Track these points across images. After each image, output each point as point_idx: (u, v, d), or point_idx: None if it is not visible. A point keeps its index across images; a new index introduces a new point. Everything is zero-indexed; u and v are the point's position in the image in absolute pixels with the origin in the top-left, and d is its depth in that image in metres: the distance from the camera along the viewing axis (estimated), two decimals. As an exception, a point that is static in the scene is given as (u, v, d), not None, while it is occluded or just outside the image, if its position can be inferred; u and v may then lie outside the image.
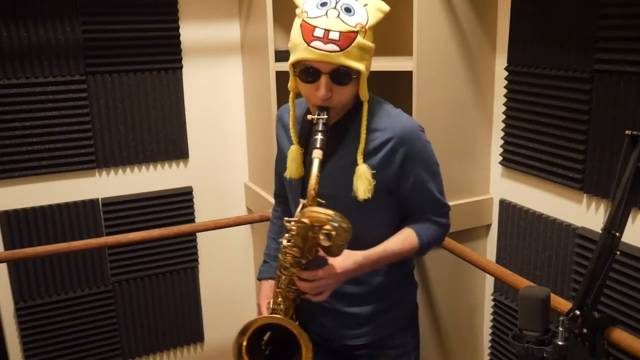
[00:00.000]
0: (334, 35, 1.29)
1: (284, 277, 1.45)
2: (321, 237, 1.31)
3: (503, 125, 2.13)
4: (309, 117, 1.38)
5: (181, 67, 2.46)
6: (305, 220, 1.30)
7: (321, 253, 1.38)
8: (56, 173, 2.34)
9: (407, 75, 2.03)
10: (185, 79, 2.48)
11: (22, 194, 2.31)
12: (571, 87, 1.84)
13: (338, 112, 1.45)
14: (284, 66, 2.16)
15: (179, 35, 2.42)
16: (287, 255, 1.38)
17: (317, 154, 1.32)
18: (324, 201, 1.36)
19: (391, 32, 2.42)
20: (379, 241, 1.51)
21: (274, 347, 1.53)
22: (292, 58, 1.36)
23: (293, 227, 1.33)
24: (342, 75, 1.34)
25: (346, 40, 1.30)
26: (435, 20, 1.99)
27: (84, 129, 2.33)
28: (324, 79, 1.33)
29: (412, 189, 1.49)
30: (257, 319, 1.44)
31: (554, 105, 1.90)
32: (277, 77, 2.18)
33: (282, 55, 2.18)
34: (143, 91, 2.41)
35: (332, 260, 1.38)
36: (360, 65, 1.34)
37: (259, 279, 1.73)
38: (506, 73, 2.09)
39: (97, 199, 2.43)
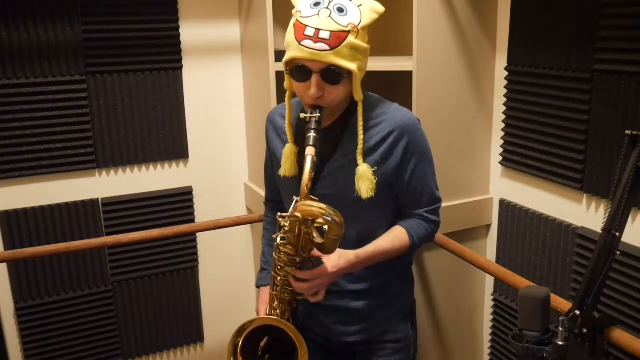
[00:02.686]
0: (324, 35, 1.31)
1: (279, 278, 1.46)
2: (314, 234, 1.32)
3: (503, 125, 2.13)
4: (302, 115, 1.40)
5: (181, 67, 2.46)
6: (298, 214, 1.30)
7: (315, 253, 1.39)
8: (56, 173, 2.34)
9: (407, 75, 2.03)
10: (185, 79, 2.48)
11: (22, 194, 2.31)
12: (571, 87, 1.84)
13: (334, 112, 1.46)
14: (284, 66, 2.16)
15: (179, 35, 2.42)
16: (281, 253, 1.39)
17: (309, 151, 1.34)
18: (317, 199, 1.37)
19: (391, 32, 2.42)
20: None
21: (270, 354, 1.53)
22: (285, 57, 1.38)
23: (286, 224, 1.34)
24: (332, 74, 1.35)
25: (336, 39, 1.31)
26: (435, 20, 1.99)
27: (84, 129, 2.33)
28: (314, 78, 1.35)
29: (410, 180, 1.50)
30: (254, 319, 1.44)
31: (554, 105, 1.90)
32: (277, 77, 2.18)
33: (282, 55, 2.14)
34: (143, 91, 2.41)
35: (326, 260, 1.39)
36: (351, 65, 1.34)
37: (258, 286, 1.74)
38: (506, 73, 2.09)
39: (97, 199, 2.43)
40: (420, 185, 1.52)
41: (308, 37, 1.31)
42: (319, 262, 1.40)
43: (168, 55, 2.42)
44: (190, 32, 2.44)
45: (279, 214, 1.37)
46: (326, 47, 1.31)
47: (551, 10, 1.89)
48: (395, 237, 1.52)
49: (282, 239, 1.38)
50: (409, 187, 1.52)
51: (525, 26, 1.99)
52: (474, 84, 2.14)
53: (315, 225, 1.31)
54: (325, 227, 1.31)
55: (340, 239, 1.35)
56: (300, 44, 1.32)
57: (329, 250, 1.38)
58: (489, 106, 2.21)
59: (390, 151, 1.46)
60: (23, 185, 2.31)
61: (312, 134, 1.35)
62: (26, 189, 2.32)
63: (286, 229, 1.35)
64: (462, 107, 2.14)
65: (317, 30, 1.31)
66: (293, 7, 1.39)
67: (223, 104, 2.58)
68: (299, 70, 1.36)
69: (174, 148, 2.52)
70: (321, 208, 1.29)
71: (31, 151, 2.27)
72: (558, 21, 1.86)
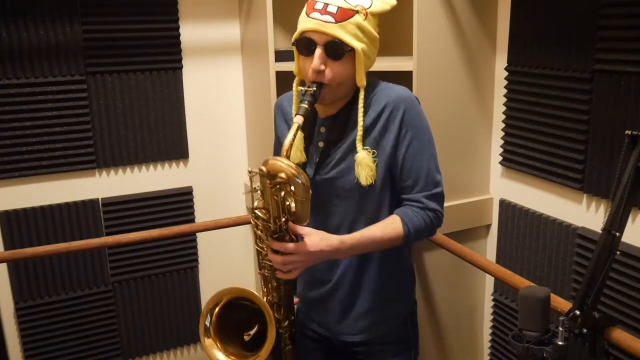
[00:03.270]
0: (331, 9, 1.37)
1: (263, 253, 1.46)
2: (288, 188, 1.31)
3: (503, 125, 2.13)
4: (299, 88, 1.43)
5: (181, 67, 2.46)
6: (263, 168, 1.31)
7: (296, 229, 1.38)
8: (56, 173, 2.34)
9: (407, 75, 2.03)
10: (185, 79, 2.48)
11: (22, 194, 2.31)
12: (571, 87, 1.84)
13: (332, 97, 1.45)
14: (284, 66, 2.16)
15: (179, 35, 2.42)
16: (258, 219, 1.40)
17: (297, 119, 1.36)
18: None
19: (391, 32, 2.42)
20: None
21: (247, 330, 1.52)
22: (295, 33, 1.42)
23: (259, 185, 1.34)
24: (335, 48, 1.38)
25: (343, 14, 1.37)
26: (435, 20, 1.99)
27: (84, 129, 2.33)
28: (318, 50, 1.39)
29: (405, 157, 1.46)
30: (220, 292, 1.48)
31: (554, 105, 1.90)
32: (277, 77, 2.18)
33: (282, 55, 2.18)
34: (143, 91, 2.41)
35: (307, 239, 1.38)
36: (355, 43, 1.38)
37: None
38: (506, 73, 2.09)
39: (97, 199, 2.43)
40: (416, 164, 1.47)
41: (317, 10, 1.37)
42: (299, 240, 1.40)
43: (168, 55, 2.41)
44: (190, 32, 2.44)
45: (248, 169, 1.39)
46: (332, 19, 1.36)
47: (551, 10, 1.89)
48: (387, 225, 1.46)
49: (258, 202, 1.39)
50: (404, 166, 1.47)
51: (525, 26, 1.99)
52: (474, 84, 2.14)
53: (278, 180, 1.30)
54: (291, 187, 1.30)
55: (308, 203, 1.35)
56: (308, 17, 1.38)
57: (300, 217, 1.37)
58: (489, 106, 2.21)
59: (386, 126, 1.46)
60: (23, 185, 2.31)
61: (304, 105, 1.37)
62: (26, 189, 2.32)
63: (259, 187, 1.36)
64: (462, 107, 2.14)
65: (326, 4, 1.37)
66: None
67: (223, 104, 2.58)
68: (305, 42, 1.41)
69: (174, 148, 2.52)
70: (288, 165, 1.30)
71: (31, 151, 2.27)
72: (558, 21, 1.86)
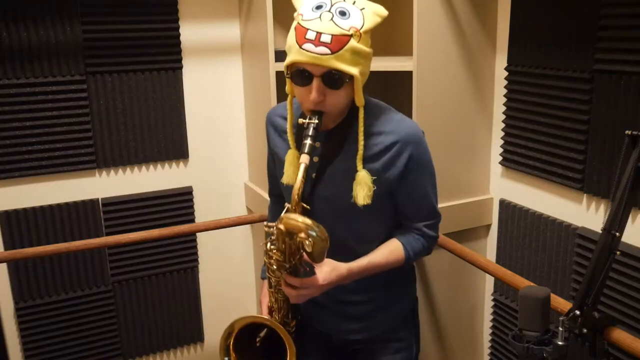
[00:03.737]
0: (325, 38, 1.28)
1: (273, 279, 1.49)
2: (306, 242, 1.31)
3: (503, 125, 2.13)
4: (300, 121, 1.38)
5: (181, 67, 2.46)
6: (281, 227, 1.30)
7: (305, 257, 1.39)
8: (56, 173, 2.34)
9: (407, 75, 2.03)
10: (185, 79, 2.48)
11: (22, 194, 2.31)
12: (571, 87, 1.84)
13: (335, 117, 1.44)
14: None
15: (179, 35, 2.42)
16: (272, 259, 1.41)
17: (303, 159, 1.33)
18: (308, 207, 1.38)
19: (391, 32, 2.42)
20: (381, 239, 1.54)
21: (269, 345, 1.54)
22: (286, 60, 1.36)
23: (274, 235, 1.36)
24: (334, 78, 1.32)
25: (338, 43, 1.29)
26: (435, 20, 1.99)
27: (84, 129, 2.33)
28: (315, 82, 1.33)
29: (411, 192, 1.50)
30: (241, 318, 1.47)
31: (554, 105, 1.90)
32: (277, 77, 2.18)
33: (282, 55, 2.16)
34: (143, 91, 2.41)
35: (318, 271, 1.41)
36: (353, 70, 1.32)
37: (263, 277, 1.74)
38: (506, 73, 2.09)
39: (97, 199, 2.43)
40: (420, 199, 1.52)
41: (309, 41, 1.29)
42: (311, 270, 1.41)
43: (168, 55, 2.41)
44: (190, 32, 2.44)
45: (265, 223, 1.39)
46: (327, 50, 1.28)
47: (551, 10, 1.89)
48: (390, 252, 1.52)
49: (272, 244, 1.40)
50: (409, 200, 1.51)
51: (525, 26, 1.99)
52: (474, 84, 2.14)
53: (298, 239, 1.30)
54: (308, 241, 1.29)
55: (326, 251, 1.35)
56: (301, 48, 1.30)
57: (317, 260, 1.38)
58: (489, 106, 2.21)
59: (392, 162, 1.44)
60: (23, 185, 2.31)
61: (308, 142, 1.34)
62: (26, 189, 2.32)
63: (273, 237, 1.37)
64: (462, 107, 2.14)
65: (319, 33, 1.28)
66: (294, 9, 1.38)
67: (223, 104, 2.58)
68: (300, 74, 1.34)
69: (174, 148, 2.52)
70: (305, 223, 1.27)
71: (31, 151, 2.27)
72: (558, 21, 1.86)
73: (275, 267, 1.43)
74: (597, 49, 1.74)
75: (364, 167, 1.42)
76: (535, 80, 1.96)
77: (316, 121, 1.35)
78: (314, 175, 1.49)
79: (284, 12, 2.20)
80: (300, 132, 1.50)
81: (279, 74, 2.17)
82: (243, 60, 2.55)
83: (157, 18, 2.36)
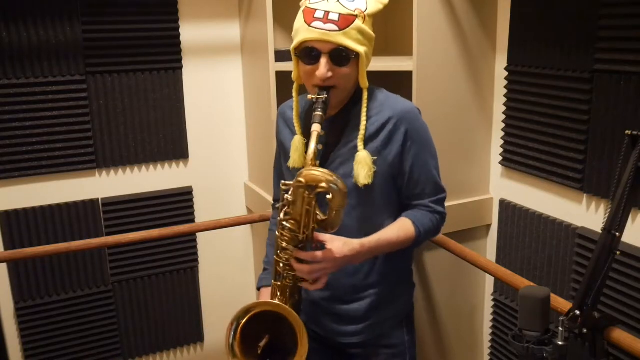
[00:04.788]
0: (333, 17, 1.37)
1: (281, 264, 1.43)
2: (317, 211, 1.33)
3: (503, 125, 2.13)
4: (309, 96, 1.43)
5: (181, 67, 2.46)
6: (302, 179, 1.31)
7: (318, 236, 1.38)
8: (56, 173, 2.34)
9: (407, 75, 2.03)
10: (185, 79, 2.48)
11: (22, 194, 2.31)
12: (571, 87, 1.84)
13: (339, 99, 1.48)
14: (284, 66, 2.16)
15: (179, 35, 2.42)
16: (285, 230, 1.38)
17: (315, 128, 1.36)
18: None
19: (391, 32, 2.42)
20: (386, 226, 1.53)
21: (269, 353, 1.51)
22: (295, 41, 1.42)
23: (289, 197, 1.34)
24: (341, 55, 1.39)
25: (345, 21, 1.37)
26: (435, 20, 1.99)
27: (84, 129, 2.33)
28: (323, 59, 1.39)
29: (413, 169, 1.52)
30: (259, 303, 1.41)
31: (554, 105, 1.90)
32: (277, 77, 2.18)
33: (282, 55, 2.18)
34: (143, 91, 2.41)
35: (330, 245, 1.38)
36: (359, 47, 1.40)
37: (259, 287, 1.73)
38: (506, 73, 2.09)
39: (97, 199, 2.43)
40: (423, 175, 1.53)
41: (318, 19, 1.37)
42: (323, 247, 1.39)
43: (168, 55, 2.42)
44: (190, 32, 2.44)
45: (282, 181, 1.37)
46: (335, 27, 1.36)
47: (551, 10, 1.88)
48: (400, 228, 1.51)
49: (285, 214, 1.37)
50: (412, 177, 1.53)
51: (525, 26, 1.99)
52: (474, 84, 2.14)
53: (318, 190, 1.31)
54: (329, 195, 1.30)
55: (343, 210, 1.35)
56: (310, 26, 1.37)
57: (332, 225, 1.37)
58: (489, 106, 2.21)
59: (390, 138, 1.48)
60: (23, 185, 2.31)
61: (318, 113, 1.38)
62: (26, 189, 2.32)
63: (290, 199, 1.34)
64: (462, 107, 2.14)
65: (327, 12, 1.37)
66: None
67: (223, 104, 2.58)
68: (308, 52, 1.40)
69: (174, 148, 2.52)
70: (325, 173, 1.30)
71: (31, 151, 2.27)
72: (558, 21, 1.86)
73: (286, 242, 1.38)
74: (597, 49, 1.74)
75: (365, 148, 1.45)
76: (535, 80, 1.96)
77: (325, 96, 1.40)
78: (317, 162, 1.49)
79: (284, 12, 2.21)
80: (305, 121, 1.53)
81: (279, 74, 2.17)
82: (243, 60, 2.55)
83: (157, 18, 2.36)
